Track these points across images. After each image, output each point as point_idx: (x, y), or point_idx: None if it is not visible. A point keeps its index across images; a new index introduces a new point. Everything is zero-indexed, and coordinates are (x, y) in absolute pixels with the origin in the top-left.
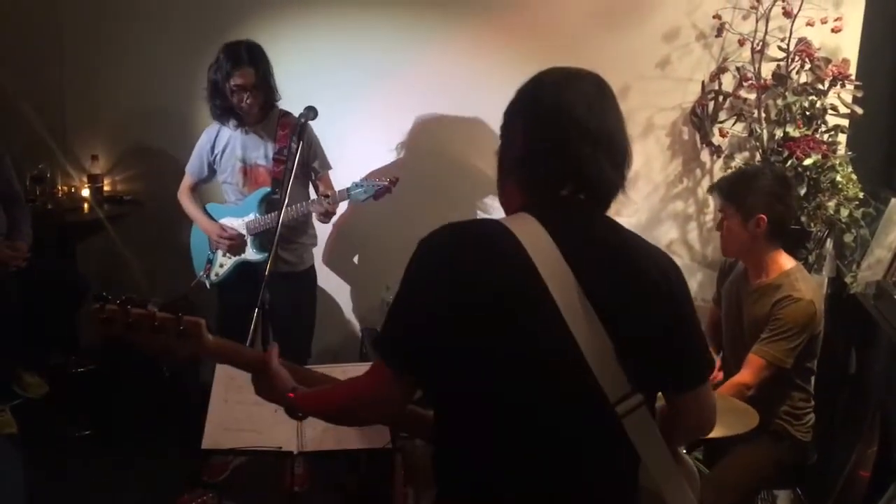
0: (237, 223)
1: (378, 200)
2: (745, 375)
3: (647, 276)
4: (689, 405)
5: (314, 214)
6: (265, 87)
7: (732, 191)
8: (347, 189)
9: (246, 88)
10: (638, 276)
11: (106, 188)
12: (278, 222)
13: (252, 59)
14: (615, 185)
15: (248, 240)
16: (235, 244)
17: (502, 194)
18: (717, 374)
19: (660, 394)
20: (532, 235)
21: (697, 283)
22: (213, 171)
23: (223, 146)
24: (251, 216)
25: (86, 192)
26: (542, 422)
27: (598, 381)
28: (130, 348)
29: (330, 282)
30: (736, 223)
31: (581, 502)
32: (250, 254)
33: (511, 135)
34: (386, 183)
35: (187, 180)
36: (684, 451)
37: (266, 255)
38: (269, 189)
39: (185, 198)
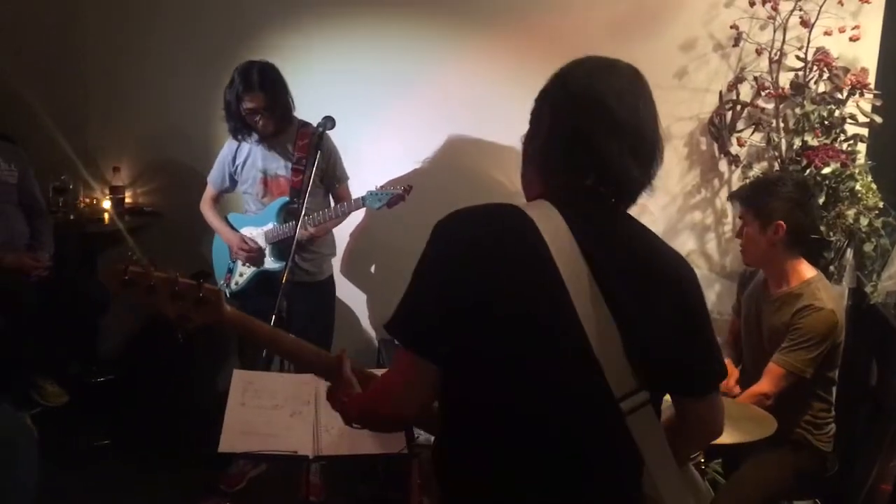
0: (257, 232)
1: (392, 209)
2: (765, 385)
3: (661, 277)
4: (699, 412)
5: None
6: (278, 109)
7: (751, 197)
8: (363, 197)
9: (257, 111)
10: (652, 275)
11: (127, 200)
12: (296, 231)
13: (263, 83)
14: (639, 182)
15: (267, 249)
16: (254, 256)
17: (524, 180)
18: (734, 388)
19: (669, 401)
20: (550, 223)
21: (716, 294)
22: (234, 182)
23: (244, 158)
24: (270, 225)
25: (107, 204)
26: (547, 412)
27: (604, 374)
28: (149, 310)
29: (347, 292)
30: (754, 230)
31: (582, 497)
32: (269, 262)
33: (538, 121)
34: (400, 191)
35: (209, 191)
36: (702, 463)
37: (284, 263)
38: (287, 199)
39: (207, 208)
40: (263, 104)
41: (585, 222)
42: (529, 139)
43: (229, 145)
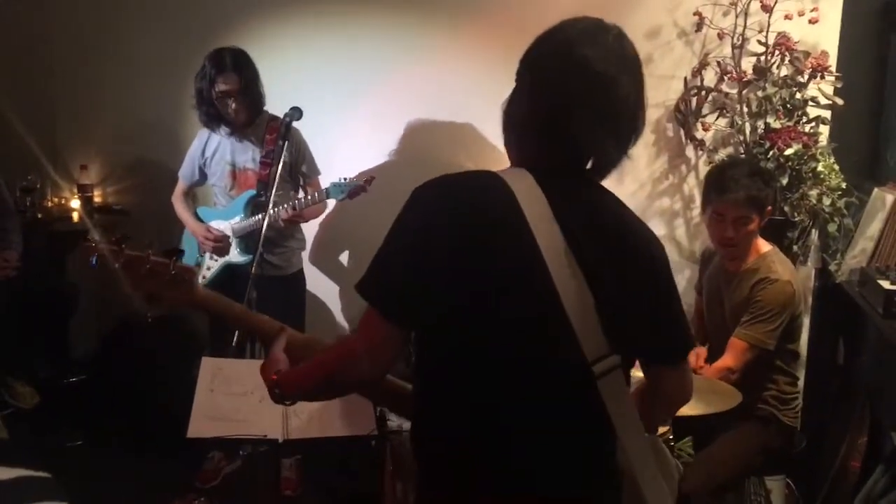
0: (224, 226)
1: (364, 200)
2: (729, 359)
3: (632, 247)
4: (672, 380)
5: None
6: (250, 94)
7: (753, 197)
8: (326, 189)
9: (230, 94)
10: (623, 245)
11: (96, 199)
12: (263, 224)
13: (236, 66)
14: (614, 160)
15: (234, 242)
16: (220, 245)
17: (506, 146)
18: (704, 366)
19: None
20: (526, 190)
21: (686, 279)
22: (204, 176)
23: (213, 150)
24: (237, 218)
25: (75, 203)
26: (520, 373)
27: (577, 337)
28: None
29: (318, 285)
30: (755, 225)
31: (557, 460)
32: (235, 255)
33: (519, 88)
34: (361, 182)
35: (180, 185)
36: (670, 440)
37: (251, 256)
38: (254, 192)
39: (177, 202)
40: (237, 87)
41: (561, 192)
42: (510, 104)
43: (199, 138)
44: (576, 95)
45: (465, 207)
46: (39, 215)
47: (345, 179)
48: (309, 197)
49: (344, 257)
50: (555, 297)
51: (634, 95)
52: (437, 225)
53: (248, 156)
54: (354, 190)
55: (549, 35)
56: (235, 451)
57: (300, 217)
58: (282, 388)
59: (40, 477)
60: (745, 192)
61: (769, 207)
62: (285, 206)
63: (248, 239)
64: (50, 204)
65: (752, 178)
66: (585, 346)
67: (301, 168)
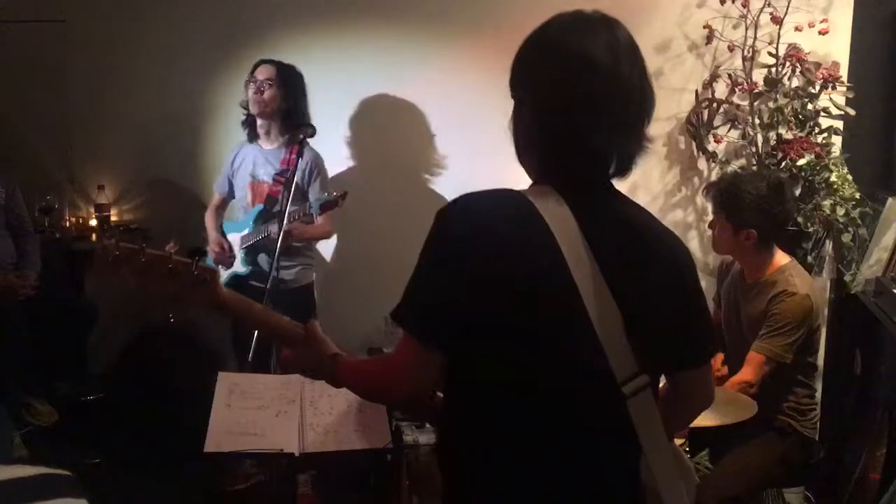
0: (236, 238)
1: (379, 215)
2: (746, 373)
3: (658, 254)
4: (695, 382)
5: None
6: (281, 92)
7: (724, 201)
8: (309, 203)
9: (259, 85)
10: (649, 253)
11: (113, 218)
12: (279, 238)
13: (281, 70)
14: (631, 156)
15: (240, 253)
16: (220, 258)
17: (522, 163)
18: (722, 369)
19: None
20: (553, 209)
21: None
22: (233, 188)
23: (240, 162)
24: (246, 231)
25: (93, 222)
26: (551, 395)
27: (607, 359)
28: (140, 292)
29: (333, 302)
30: (727, 231)
31: (585, 482)
32: (238, 266)
33: (520, 104)
34: (333, 197)
35: (214, 197)
36: (686, 453)
37: (251, 268)
38: (262, 206)
39: (208, 213)
40: (271, 75)
41: (586, 206)
42: (516, 121)
43: (232, 152)
44: (582, 97)
45: (491, 229)
46: (58, 235)
47: (327, 195)
48: (294, 213)
49: (358, 275)
50: (585, 316)
51: (638, 79)
52: (463, 247)
53: (267, 170)
54: (326, 204)
55: (539, 42)
56: (267, 464)
57: (290, 235)
58: (337, 373)
59: (61, 475)
60: (716, 194)
61: (750, 230)
62: (273, 222)
63: (252, 251)
64: (68, 224)
65: (733, 191)
66: (615, 367)
67: (310, 188)
